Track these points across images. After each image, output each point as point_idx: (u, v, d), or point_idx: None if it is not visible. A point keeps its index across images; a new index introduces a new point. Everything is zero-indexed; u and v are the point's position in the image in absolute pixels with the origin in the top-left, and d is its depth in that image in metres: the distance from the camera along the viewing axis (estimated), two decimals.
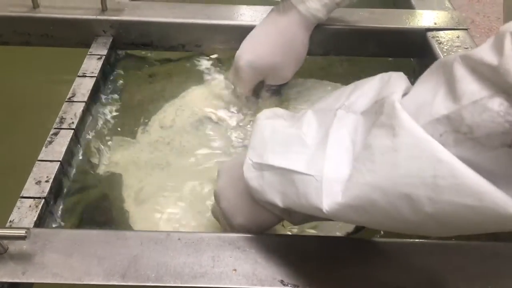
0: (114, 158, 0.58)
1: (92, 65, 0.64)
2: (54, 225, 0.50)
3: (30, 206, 0.46)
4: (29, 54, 0.70)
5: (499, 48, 0.26)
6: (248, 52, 0.59)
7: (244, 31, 0.63)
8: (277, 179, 0.38)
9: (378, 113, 0.33)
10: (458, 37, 0.67)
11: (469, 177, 0.27)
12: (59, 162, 0.51)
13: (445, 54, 0.64)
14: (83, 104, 0.58)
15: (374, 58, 0.71)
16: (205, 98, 0.66)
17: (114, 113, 0.63)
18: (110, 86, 0.67)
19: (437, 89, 0.30)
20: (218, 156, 0.58)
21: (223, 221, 0.46)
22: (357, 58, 0.72)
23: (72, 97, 0.59)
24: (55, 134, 0.54)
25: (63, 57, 0.69)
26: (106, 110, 0.63)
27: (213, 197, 0.47)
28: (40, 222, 0.46)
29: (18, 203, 0.47)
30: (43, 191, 0.48)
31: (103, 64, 0.64)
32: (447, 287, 0.41)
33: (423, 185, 0.29)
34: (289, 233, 0.51)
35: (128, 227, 0.51)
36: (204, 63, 0.71)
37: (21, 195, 0.47)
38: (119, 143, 0.60)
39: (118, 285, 0.39)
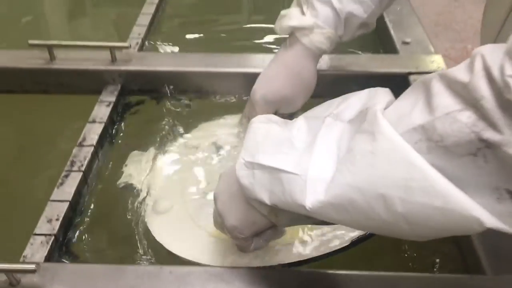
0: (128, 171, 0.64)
1: (101, 111, 0.71)
2: (64, 258, 0.55)
3: (41, 242, 0.52)
4: (46, 101, 0.78)
5: (471, 67, 0.30)
6: (262, 87, 0.64)
7: (238, 77, 0.69)
8: (266, 177, 0.40)
9: (362, 121, 0.37)
10: None
11: (438, 180, 0.30)
12: (69, 202, 0.57)
13: None
14: (92, 148, 0.64)
15: None
16: (219, 128, 0.71)
17: (121, 153, 0.69)
18: (117, 128, 0.73)
19: (416, 103, 0.34)
20: None
21: (220, 223, 0.48)
22: None
23: (82, 141, 0.65)
24: (66, 176, 0.60)
25: (77, 103, 0.76)
26: (114, 151, 0.70)
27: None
28: (51, 256, 0.52)
29: (31, 240, 0.53)
30: (53, 229, 0.54)
31: (111, 110, 0.71)
32: None
33: (396, 187, 0.32)
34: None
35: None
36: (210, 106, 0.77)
37: (34, 233, 0.53)
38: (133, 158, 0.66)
39: None
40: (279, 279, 0.48)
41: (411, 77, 0.73)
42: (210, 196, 0.55)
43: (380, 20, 0.82)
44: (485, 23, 0.53)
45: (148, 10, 0.97)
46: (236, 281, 0.47)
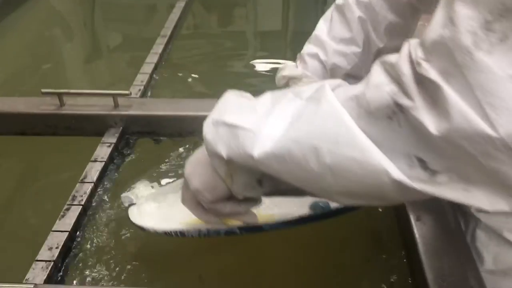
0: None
1: (103, 151, 0.79)
2: (61, 282, 0.62)
3: (42, 268, 0.59)
4: (55, 142, 0.86)
5: (400, 53, 0.35)
6: None
7: None
8: (226, 133, 0.45)
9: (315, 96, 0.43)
10: None
11: (359, 136, 0.36)
12: (68, 232, 0.64)
13: None
14: (92, 184, 0.72)
15: None
16: None
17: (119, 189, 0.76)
18: (116, 166, 0.81)
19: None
20: None
21: (185, 190, 0.53)
22: None
23: (84, 178, 0.73)
24: (67, 209, 0.68)
25: (82, 144, 0.85)
26: (111, 186, 0.77)
27: None
28: (50, 280, 0.59)
29: (33, 265, 0.60)
30: (53, 255, 0.61)
31: (111, 150, 0.79)
32: None
33: (327, 140, 0.37)
34: None
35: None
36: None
37: (36, 259, 0.60)
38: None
39: None
40: None
41: None
42: None
43: None
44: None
45: (152, 59, 1.08)
46: None
